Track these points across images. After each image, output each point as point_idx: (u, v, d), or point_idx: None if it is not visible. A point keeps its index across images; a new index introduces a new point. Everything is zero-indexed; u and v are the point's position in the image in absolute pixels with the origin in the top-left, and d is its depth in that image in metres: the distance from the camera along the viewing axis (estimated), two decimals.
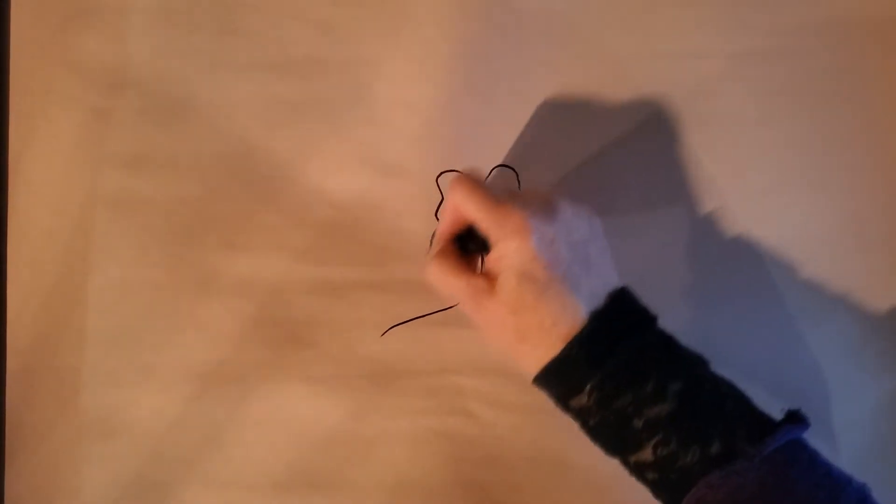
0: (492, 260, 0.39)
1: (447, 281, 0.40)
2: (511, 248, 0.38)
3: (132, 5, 0.47)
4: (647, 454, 0.37)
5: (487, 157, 0.47)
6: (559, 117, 0.46)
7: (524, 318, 0.38)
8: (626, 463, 0.38)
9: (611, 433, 0.38)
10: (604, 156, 0.47)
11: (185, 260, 0.46)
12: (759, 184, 0.47)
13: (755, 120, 0.47)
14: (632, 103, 0.47)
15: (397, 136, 0.47)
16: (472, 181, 0.40)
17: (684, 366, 0.38)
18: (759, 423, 0.37)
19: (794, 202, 0.47)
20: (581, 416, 0.38)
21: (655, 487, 0.38)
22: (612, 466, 0.45)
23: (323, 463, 0.46)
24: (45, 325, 0.46)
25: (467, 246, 0.41)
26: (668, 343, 0.39)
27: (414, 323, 0.46)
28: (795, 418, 0.38)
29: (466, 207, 0.39)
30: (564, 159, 0.47)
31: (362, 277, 0.47)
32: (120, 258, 0.46)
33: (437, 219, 0.46)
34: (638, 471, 0.38)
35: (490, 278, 0.39)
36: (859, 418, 0.47)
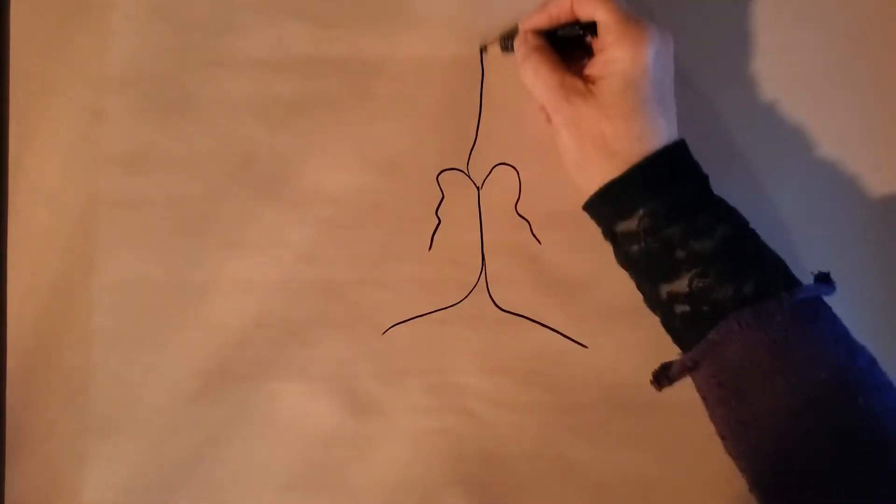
0: (598, 62, 0.40)
1: (542, 74, 0.41)
2: (628, 54, 0.39)
3: (132, 5, 0.47)
4: (682, 285, 0.39)
5: (487, 155, 0.47)
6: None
7: (615, 126, 0.39)
8: (656, 294, 0.40)
9: (652, 261, 0.40)
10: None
11: (186, 259, 0.46)
12: (764, 173, 0.47)
13: (754, 117, 0.47)
14: None
15: (397, 135, 0.47)
16: None
17: (733, 217, 0.40)
18: (792, 279, 0.39)
19: (794, 199, 0.47)
20: (625, 242, 0.40)
21: (683, 321, 0.39)
22: (611, 464, 0.45)
23: (324, 462, 0.46)
24: (45, 326, 0.46)
25: (562, 44, 0.42)
26: (722, 199, 0.41)
27: (414, 322, 0.46)
28: (824, 279, 0.40)
29: (592, 3, 0.40)
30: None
31: (362, 277, 0.46)
32: (120, 258, 0.46)
33: (438, 218, 0.47)
34: (669, 302, 0.39)
35: (588, 81, 0.40)
36: None
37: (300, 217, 0.46)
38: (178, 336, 0.46)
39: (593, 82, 0.40)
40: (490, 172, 0.47)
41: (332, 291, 0.47)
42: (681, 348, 0.41)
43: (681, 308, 0.39)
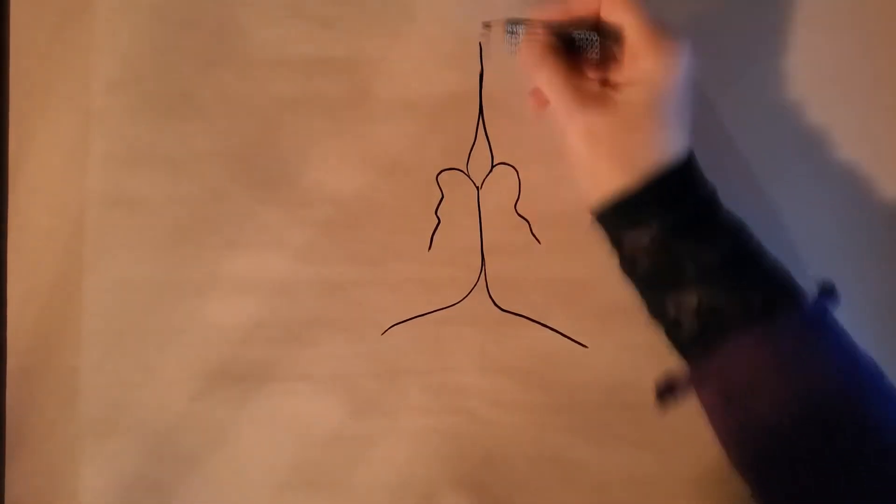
0: (625, 71, 0.40)
1: (557, 79, 0.40)
2: (661, 65, 0.38)
3: (131, 4, 0.47)
4: (691, 298, 0.38)
5: (487, 155, 0.47)
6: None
7: (635, 137, 0.39)
8: (661, 307, 0.40)
9: (659, 274, 0.39)
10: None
11: (185, 259, 0.46)
12: (770, 177, 0.47)
13: (754, 117, 0.47)
14: None
15: (397, 135, 0.47)
16: None
17: (741, 229, 0.40)
18: (799, 293, 0.39)
19: (794, 197, 0.47)
20: (631, 253, 0.40)
21: (689, 334, 0.39)
22: (610, 465, 0.45)
23: (324, 462, 0.46)
24: (45, 326, 0.46)
25: (575, 45, 0.41)
26: (728, 208, 0.40)
27: (415, 322, 0.46)
28: (829, 291, 0.40)
29: (623, 9, 0.39)
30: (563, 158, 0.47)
31: (362, 276, 0.46)
32: (120, 258, 0.46)
33: (438, 217, 0.47)
34: (675, 315, 0.39)
35: (606, 86, 0.40)
36: None
37: (300, 217, 0.46)
38: (178, 336, 0.46)
39: (616, 89, 0.40)
40: (490, 172, 0.47)
41: (332, 291, 0.47)
42: (685, 360, 0.40)
43: (688, 321, 0.39)
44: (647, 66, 0.39)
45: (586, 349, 0.46)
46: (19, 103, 0.47)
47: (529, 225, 0.47)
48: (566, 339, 0.46)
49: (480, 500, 0.46)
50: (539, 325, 0.46)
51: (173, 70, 0.47)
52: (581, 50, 0.41)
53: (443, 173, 0.47)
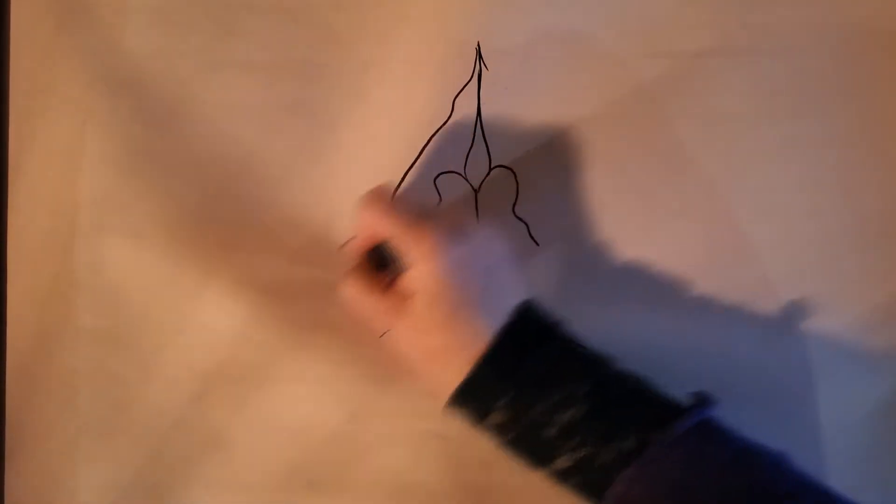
0: (406, 279, 0.39)
1: (360, 299, 0.41)
2: (423, 270, 0.38)
3: (131, 5, 0.47)
4: (565, 461, 0.37)
5: (484, 157, 0.47)
6: (559, 117, 0.46)
7: (433, 340, 0.38)
8: (550, 474, 0.38)
9: (528, 446, 0.38)
10: (604, 153, 0.46)
11: (184, 260, 0.46)
12: (757, 183, 0.47)
13: (755, 119, 0.47)
14: (632, 102, 0.46)
15: (395, 138, 0.46)
16: (384, 199, 0.40)
17: (589, 368, 0.39)
18: (670, 411, 0.38)
19: (793, 201, 0.47)
20: (499, 433, 0.39)
21: (580, 491, 0.38)
22: None
23: (322, 464, 0.46)
24: (44, 326, 0.47)
25: (383, 260, 0.42)
26: (571, 348, 0.39)
27: None
28: (702, 400, 0.38)
29: (380, 226, 0.40)
30: (564, 159, 0.46)
31: None
32: (119, 258, 0.46)
33: None
34: (562, 479, 0.38)
35: (403, 297, 0.39)
36: (850, 423, 0.47)
37: (297, 219, 0.46)
38: (176, 338, 0.46)
39: (407, 297, 0.39)
40: (487, 175, 0.46)
41: (331, 292, 0.46)
42: None
43: (573, 480, 0.38)
44: (415, 274, 0.39)
45: None
46: (19, 104, 0.47)
47: (527, 227, 0.46)
48: None
49: (479, 503, 0.46)
50: None
51: (173, 72, 0.47)
52: (383, 264, 0.42)
53: (440, 176, 0.46)
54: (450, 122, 0.46)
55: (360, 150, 0.47)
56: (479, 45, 0.46)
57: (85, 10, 0.47)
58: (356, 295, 0.41)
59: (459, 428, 0.45)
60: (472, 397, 0.38)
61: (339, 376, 0.46)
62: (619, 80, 0.46)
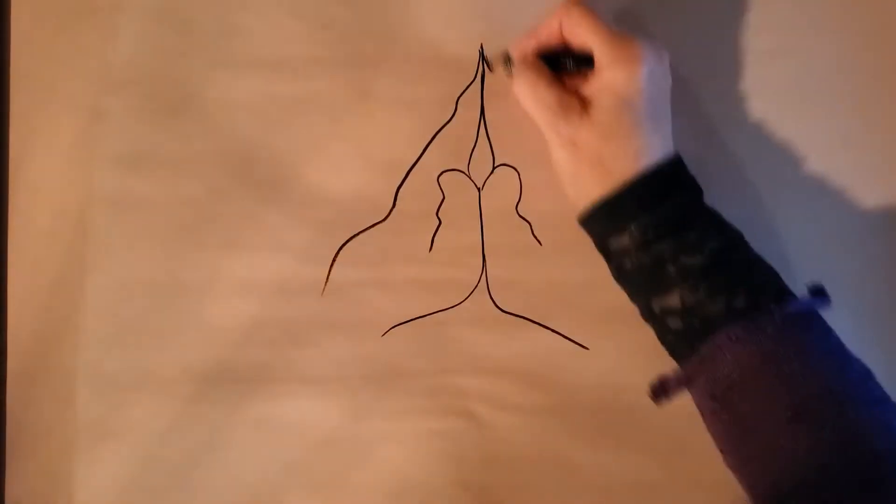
0: (593, 83, 0.41)
1: (539, 93, 0.41)
2: (622, 75, 0.40)
3: (132, 5, 0.47)
4: (674, 299, 0.39)
5: (488, 155, 0.47)
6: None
7: (610, 145, 0.40)
8: (649, 309, 0.40)
9: (643, 276, 0.40)
10: None
11: (185, 260, 0.46)
12: (760, 183, 0.47)
13: (756, 119, 0.47)
14: None
15: (398, 136, 0.47)
16: (586, 5, 0.41)
17: (725, 230, 0.40)
18: (784, 292, 0.39)
19: (796, 200, 0.47)
20: (617, 257, 0.41)
21: (676, 335, 0.40)
22: (611, 468, 0.45)
23: (323, 464, 0.46)
24: (44, 326, 0.46)
25: (557, 65, 0.43)
26: (715, 212, 0.41)
27: (415, 323, 0.46)
28: (818, 292, 0.40)
29: (581, 27, 0.41)
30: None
31: (362, 278, 0.46)
32: (119, 258, 0.46)
33: (439, 219, 0.46)
34: (661, 317, 0.40)
35: (584, 100, 0.41)
36: None
37: (300, 217, 0.46)
38: (177, 337, 0.46)
39: (589, 102, 0.41)
40: (491, 173, 0.47)
41: (332, 292, 0.46)
42: (676, 361, 0.41)
43: (673, 322, 0.39)
44: (608, 77, 0.40)
45: (587, 351, 0.46)
46: (20, 103, 0.47)
47: (531, 226, 0.47)
48: (567, 340, 0.46)
49: (480, 502, 0.46)
50: (540, 327, 0.46)
51: (175, 70, 0.47)
52: (558, 67, 0.43)
53: (444, 174, 0.46)
54: (453, 120, 0.46)
55: (364, 149, 0.47)
56: (482, 45, 0.47)
57: (85, 9, 0.47)
58: (535, 87, 0.42)
59: (459, 428, 0.46)
60: (612, 213, 0.40)
61: (339, 376, 0.46)
62: None
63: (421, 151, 0.46)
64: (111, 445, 0.46)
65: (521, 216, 0.47)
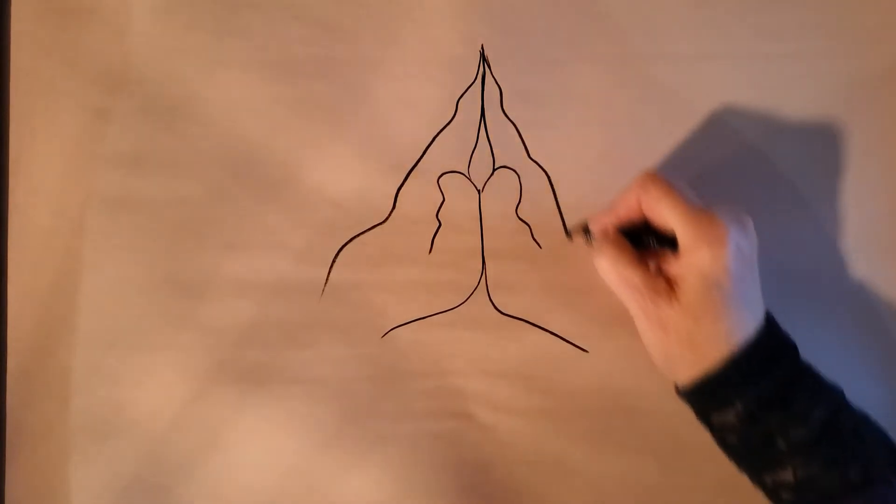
0: (678, 264, 0.40)
1: (623, 273, 0.40)
2: (707, 256, 0.38)
3: (132, 4, 0.47)
4: (787, 475, 0.38)
5: (488, 159, 0.47)
6: (560, 118, 0.46)
7: (703, 327, 0.38)
8: (760, 481, 0.39)
9: (752, 452, 0.39)
10: (606, 155, 0.46)
11: (185, 260, 0.46)
12: (762, 184, 0.47)
13: (758, 121, 0.47)
14: (637, 104, 0.46)
15: (398, 136, 0.46)
16: (668, 181, 0.40)
17: (827, 394, 0.39)
18: (894, 456, 0.38)
19: (798, 201, 0.47)
20: (721, 431, 0.39)
21: None
22: (611, 471, 0.45)
23: (322, 465, 0.46)
24: (44, 326, 0.46)
25: (639, 240, 0.42)
26: (812, 371, 0.40)
27: (415, 325, 0.46)
28: None
29: (661, 205, 0.40)
30: (565, 160, 0.46)
31: (362, 278, 0.46)
32: (119, 258, 0.46)
33: (439, 220, 0.46)
34: (774, 488, 0.39)
35: (669, 279, 0.40)
36: None
37: (300, 219, 0.46)
38: (177, 337, 0.46)
39: (675, 282, 0.40)
40: (491, 175, 0.46)
41: (332, 293, 0.46)
42: None
43: (787, 495, 0.38)
44: (695, 259, 0.39)
45: (587, 354, 0.46)
46: (20, 102, 0.47)
47: (531, 229, 0.46)
48: (567, 343, 0.46)
49: None
50: (540, 330, 0.46)
51: (175, 71, 0.46)
52: (640, 245, 0.42)
53: (444, 176, 0.46)
54: (453, 122, 0.46)
55: (364, 150, 0.46)
56: (482, 46, 0.46)
57: (85, 9, 0.47)
58: (620, 268, 0.40)
59: (458, 429, 0.46)
60: (713, 391, 0.39)
61: (339, 378, 0.46)
62: (624, 81, 0.46)
63: (421, 153, 0.46)
64: (110, 445, 0.46)
65: (520, 219, 0.46)
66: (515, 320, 0.46)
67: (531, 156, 0.46)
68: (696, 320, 0.38)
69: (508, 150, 0.46)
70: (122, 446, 0.46)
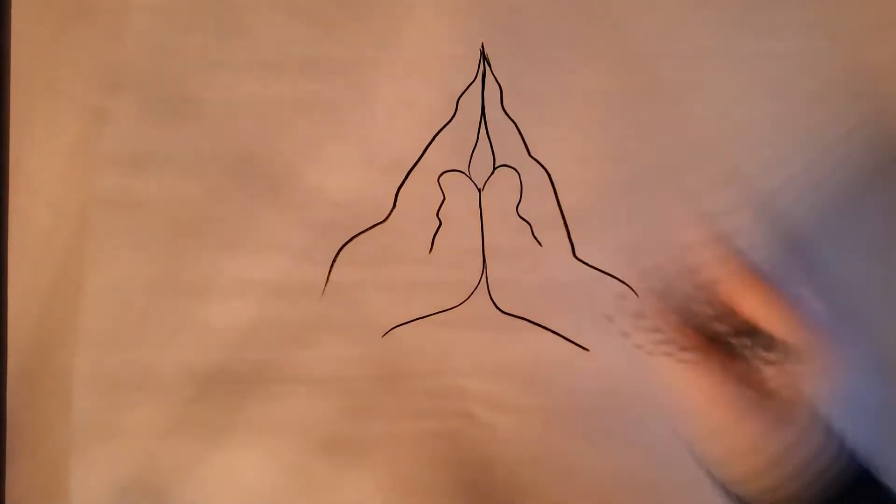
0: (778, 376, 0.36)
1: (718, 388, 0.36)
2: (812, 376, 0.35)
3: (132, 5, 0.47)
4: None
5: (488, 157, 0.47)
6: (561, 118, 0.46)
7: (785, 434, 0.35)
8: None
9: None
10: (606, 153, 0.47)
11: (185, 260, 0.46)
12: (763, 184, 0.47)
13: (758, 121, 0.47)
14: (637, 103, 0.46)
15: (398, 136, 0.47)
16: (769, 282, 0.36)
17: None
18: None
19: (798, 202, 0.47)
20: None
21: None
22: (612, 469, 0.45)
23: (323, 465, 0.46)
24: (44, 326, 0.46)
25: (729, 345, 0.37)
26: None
27: (415, 324, 0.46)
28: None
29: (775, 317, 0.36)
30: (565, 158, 0.46)
31: (362, 278, 0.46)
32: (119, 258, 0.46)
33: (439, 219, 0.46)
34: None
35: (759, 388, 0.36)
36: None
37: (300, 218, 0.46)
38: (177, 337, 0.46)
39: (769, 396, 0.36)
40: (491, 174, 0.46)
41: (332, 293, 0.46)
42: None
43: None
44: (799, 375, 0.35)
45: (587, 352, 0.46)
46: (20, 103, 0.47)
47: (531, 227, 0.47)
48: (567, 342, 0.46)
49: (480, 503, 0.46)
50: (540, 328, 0.46)
51: (175, 71, 0.47)
52: (730, 352, 0.37)
53: (444, 175, 0.46)
54: (454, 121, 0.46)
55: (364, 149, 0.47)
56: (483, 45, 0.46)
57: (85, 9, 0.47)
58: (714, 381, 0.36)
59: (459, 428, 0.46)
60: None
61: (339, 377, 0.46)
62: (624, 81, 0.46)
63: (421, 152, 0.46)
64: (111, 445, 0.46)
65: (521, 217, 0.47)
66: (516, 319, 0.46)
67: (532, 154, 0.46)
68: (781, 429, 0.35)
69: (509, 149, 0.47)
70: (123, 446, 0.46)
